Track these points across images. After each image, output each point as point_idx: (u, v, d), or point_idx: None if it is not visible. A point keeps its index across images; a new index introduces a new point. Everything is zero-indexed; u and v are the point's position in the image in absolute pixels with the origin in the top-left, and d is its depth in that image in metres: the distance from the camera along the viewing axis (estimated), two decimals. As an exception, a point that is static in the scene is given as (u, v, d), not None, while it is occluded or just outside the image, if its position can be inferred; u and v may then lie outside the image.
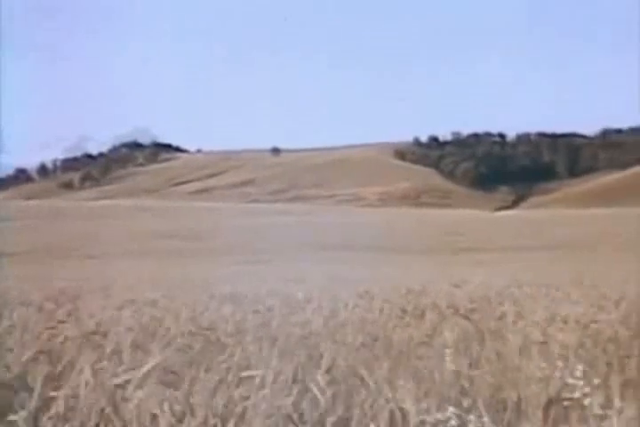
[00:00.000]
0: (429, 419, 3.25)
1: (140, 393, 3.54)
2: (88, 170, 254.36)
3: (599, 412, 3.43)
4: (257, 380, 3.75)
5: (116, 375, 3.78)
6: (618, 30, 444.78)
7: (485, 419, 3.29)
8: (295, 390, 3.67)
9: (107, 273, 27.26)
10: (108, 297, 10.44)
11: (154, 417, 3.38)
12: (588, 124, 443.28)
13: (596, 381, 3.93)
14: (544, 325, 6.03)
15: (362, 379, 4.02)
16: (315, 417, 3.52)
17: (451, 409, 3.29)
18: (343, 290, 11.68)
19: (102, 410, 3.46)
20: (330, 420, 3.43)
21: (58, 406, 3.45)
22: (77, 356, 4.44)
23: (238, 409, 3.40)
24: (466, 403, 3.73)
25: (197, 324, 6.44)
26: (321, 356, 4.73)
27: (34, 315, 6.99)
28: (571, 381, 3.87)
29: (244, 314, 7.32)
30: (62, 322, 6.29)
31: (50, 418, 3.41)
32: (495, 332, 5.75)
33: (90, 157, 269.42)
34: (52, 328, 5.59)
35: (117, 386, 3.61)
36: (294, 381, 3.94)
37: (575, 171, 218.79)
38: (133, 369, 3.88)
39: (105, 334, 5.36)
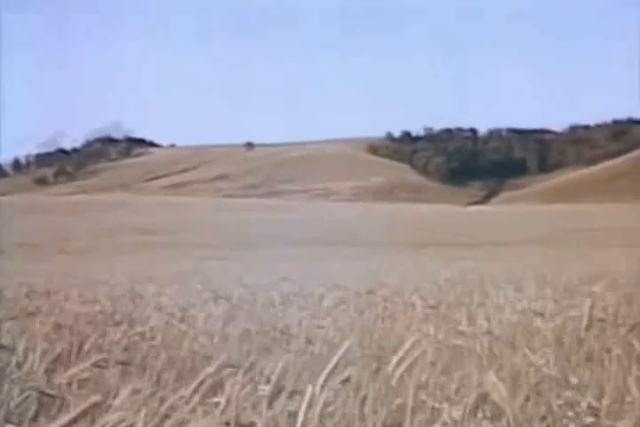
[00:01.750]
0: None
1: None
2: (62, 165, 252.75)
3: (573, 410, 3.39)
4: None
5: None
6: (586, 30, 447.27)
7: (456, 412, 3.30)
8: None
9: (81, 268, 27.22)
10: (81, 291, 10.39)
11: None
12: (557, 120, 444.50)
13: (573, 378, 4.05)
14: (515, 320, 6.08)
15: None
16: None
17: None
18: (318, 284, 11.78)
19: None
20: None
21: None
22: (42, 348, 4.40)
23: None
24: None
25: (172, 317, 6.44)
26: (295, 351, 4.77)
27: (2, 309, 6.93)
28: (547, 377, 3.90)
29: (221, 308, 7.30)
30: (32, 314, 6.29)
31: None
32: (469, 331, 5.59)
33: (64, 152, 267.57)
34: (13, 319, 5.61)
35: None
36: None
37: (545, 166, 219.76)
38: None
39: (72, 328, 5.40)
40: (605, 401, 3.51)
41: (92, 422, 2.80)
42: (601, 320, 5.76)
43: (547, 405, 3.63)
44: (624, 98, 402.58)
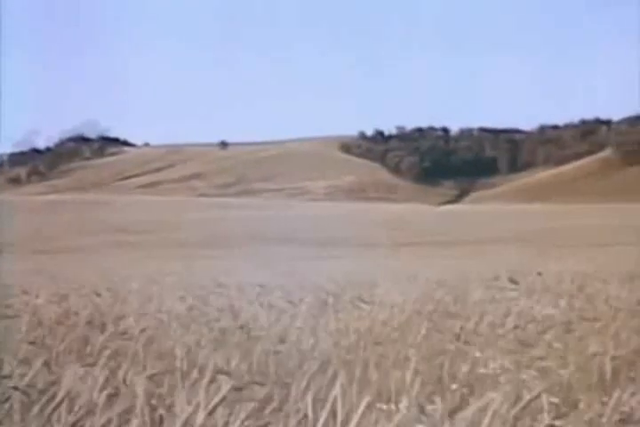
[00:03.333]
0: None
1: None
2: (35, 164, 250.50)
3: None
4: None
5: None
6: (556, 31, 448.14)
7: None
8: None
9: (56, 268, 27.07)
10: (56, 291, 10.45)
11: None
12: (526, 120, 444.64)
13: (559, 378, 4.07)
14: (495, 319, 6.03)
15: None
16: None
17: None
18: (294, 284, 11.91)
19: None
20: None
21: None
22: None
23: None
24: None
25: (148, 317, 6.49)
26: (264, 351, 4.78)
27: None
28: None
29: (196, 308, 7.36)
30: (9, 318, 6.22)
31: None
32: (450, 329, 5.71)
33: (37, 151, 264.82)
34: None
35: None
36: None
37: (515, 166, 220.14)
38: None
39: (50, 329, 5.47)
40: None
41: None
42: (583, 319, 5.88)
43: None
44: (592, 98, 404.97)
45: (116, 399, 3.29)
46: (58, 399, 3.26)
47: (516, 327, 5.66)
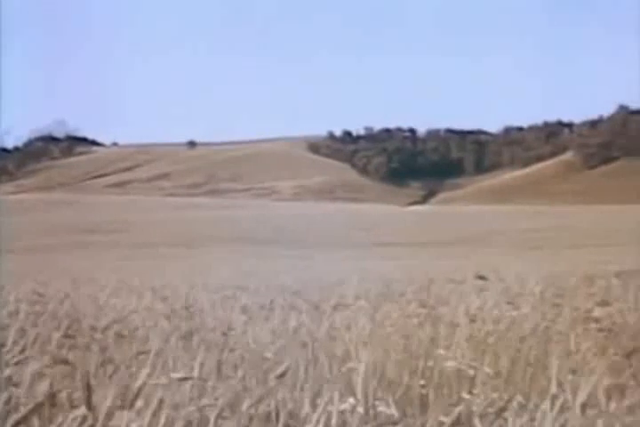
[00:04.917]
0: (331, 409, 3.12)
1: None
2: (4, 164, 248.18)
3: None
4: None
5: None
6: (520, 30, 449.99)
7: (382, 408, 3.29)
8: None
9: (23, 267, 26.91)
10: (23, 291, 10.35)
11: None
12: (491, 122, 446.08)
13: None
14: (459, 320, 6.06)
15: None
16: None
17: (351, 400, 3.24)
18: (259, 284, 12.02)
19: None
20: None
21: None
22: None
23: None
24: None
25: (113, 319, 6.31)
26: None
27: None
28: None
29: (163, 309, 7.34)
30: None
31: None
32: (415, 328, 5.80)
33: (6, 150, 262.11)
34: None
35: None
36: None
37: (481, 167, 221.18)
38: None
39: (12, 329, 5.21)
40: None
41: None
42: (544, 321, 6.00)
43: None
44: (554, 100, 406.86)
45: (73, 397, 3.28)
46: (8, 397, 3.31)
47: (477, 326, 5.74)
